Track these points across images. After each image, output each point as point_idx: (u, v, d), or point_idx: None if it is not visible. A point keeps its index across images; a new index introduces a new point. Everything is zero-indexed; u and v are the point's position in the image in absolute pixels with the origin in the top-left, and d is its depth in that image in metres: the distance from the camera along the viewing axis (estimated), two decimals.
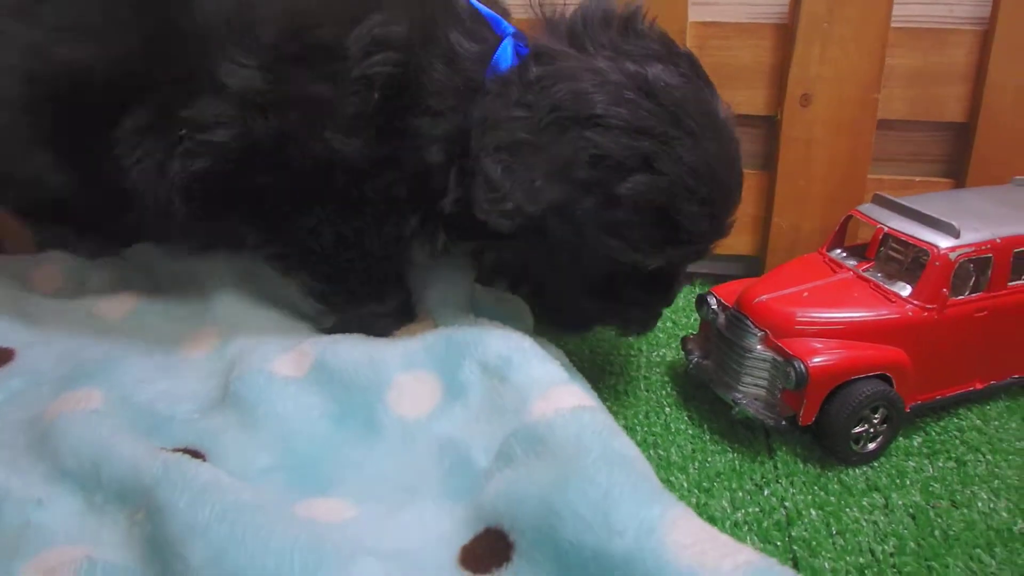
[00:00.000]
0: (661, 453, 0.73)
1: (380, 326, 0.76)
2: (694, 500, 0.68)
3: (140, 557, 0.53)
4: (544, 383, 0.62)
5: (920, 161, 0.97)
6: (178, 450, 0.61)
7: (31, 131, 0.76)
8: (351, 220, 0.72)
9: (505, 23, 0.71)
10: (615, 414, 0.77)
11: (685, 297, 1.00)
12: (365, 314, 0.76)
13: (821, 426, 0.70)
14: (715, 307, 0.78)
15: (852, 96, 0.89)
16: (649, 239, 0.66)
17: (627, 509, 0.48)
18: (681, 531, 0.47)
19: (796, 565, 0.61)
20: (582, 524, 0.48)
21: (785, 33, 0.91)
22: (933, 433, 0.75)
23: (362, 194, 0.70)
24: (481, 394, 0.64)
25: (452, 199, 0.68)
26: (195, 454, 0.61)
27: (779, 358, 0.71)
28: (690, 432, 0.76)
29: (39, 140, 0.77)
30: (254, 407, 0.66)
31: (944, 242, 0.72)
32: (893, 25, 0.89)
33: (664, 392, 0.82)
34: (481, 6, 0.72)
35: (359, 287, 0.76)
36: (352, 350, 0.69)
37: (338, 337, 0.71)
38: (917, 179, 0.96)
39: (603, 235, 0.66)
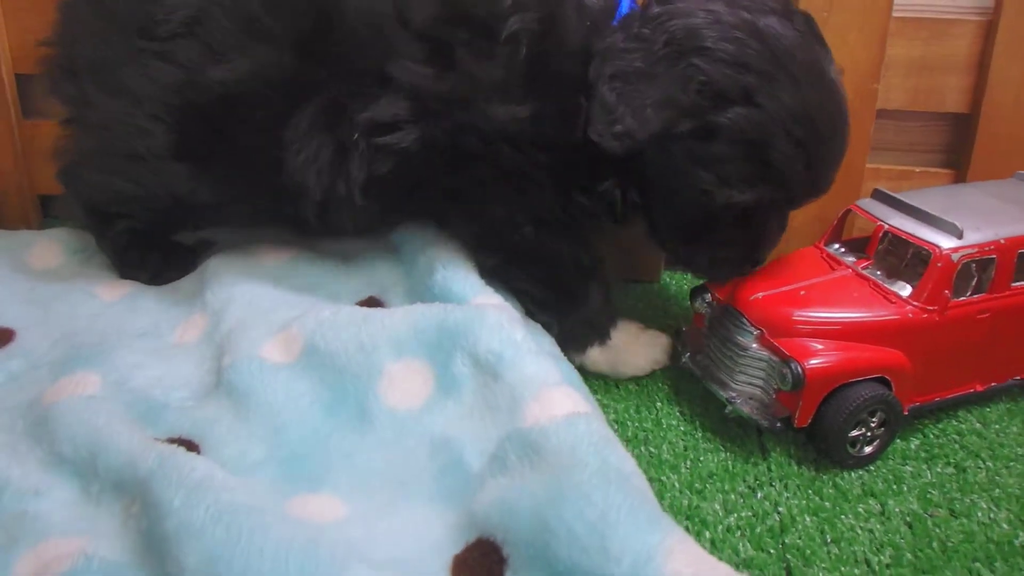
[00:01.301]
0: (652, 450, 0.68)
1: (598, 328, 0.76)
2: (686, 502, 0.62)
3: (135, 552, 0.51)
4: (537, 383, 0.57)
5: (919, 151, 0.91)
6: (173, 440, 0.59)
7: (183, 149, 0.75)
8: (534, 196, 0.72)
9: None
10: (605, 407, 0.71)
11: (677, 284, 0.95)
12: (583, 318, 0.75)
13: (817, 429, 0.64)
14: (710, 301, 0.73)
15: (851, 85, 0.80)
16: (741, 174, 0.65)
17: (625, 534, 0.44)
18: (679, 560, 0.42)
19: (790, 574, 0.58)
20: (578, 546, 0.44)
21: None
22: (931, 436, 0.69)
23: (534, 160, 0.70)
24: (473, 390, 0.60)
25: (581, 124, 0.67)
26: (189, 445, 0.59)
27: (775, 358, 0.65)
28: (682, 428, 0.70)
29: (186, 154, 0.75)
30: (246, 396, 0.63)
31: (946, 242, 0.65)
32: (894, 14, 0.82)
33: (656, 385, 0.75)
34: None
35: (571, 283, 0.75)
36: (342, 332, 0.65)
37: (326, 316, 0.67)
38: (916, 169, 0.90)
39: (697, 167, 0.65)
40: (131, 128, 0.75)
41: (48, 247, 0.88)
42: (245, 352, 0.66)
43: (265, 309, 0.72)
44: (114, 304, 0.79)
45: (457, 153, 0.70)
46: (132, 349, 0.70)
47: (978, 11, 0.85)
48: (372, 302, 0.77)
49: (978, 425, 0.71)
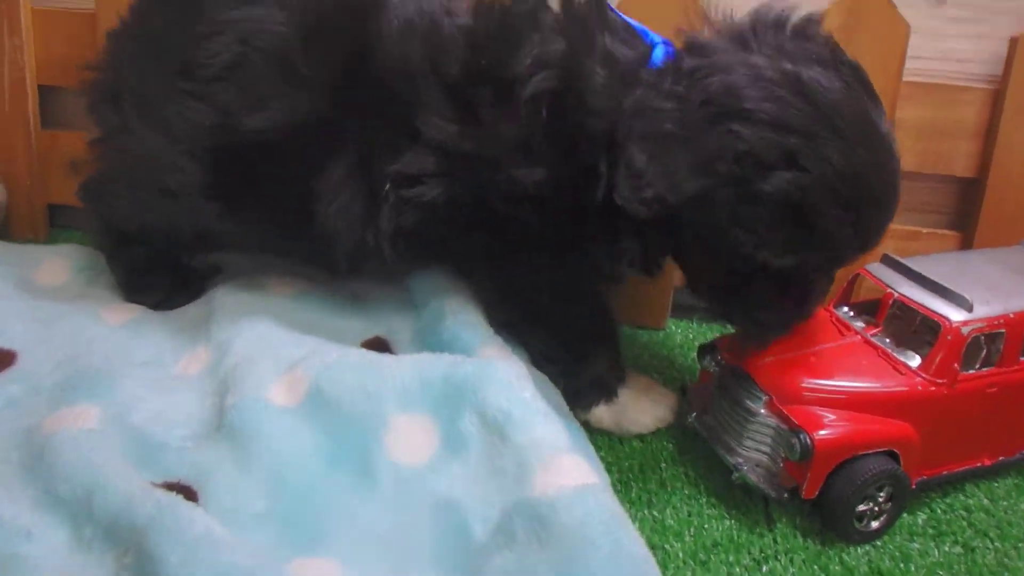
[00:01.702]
0: (656, 514, 0.65)
1: (606, 387, 0.74)
2: (689, 573, 0.60)
3: None
4: (545, 448, 0.55)
5: (927, 212, 0.90)
6: (171, 484, 0.57)
7: (216, 189, 0.75)
8: (556, 258, 0.70)
9: (653, 34, 0.69)
10: (608, 466, 0.69)
11: (683, 333, 0.93)
12: (591, 377, 0.73)
13: (824, 501, 0.61)
14: (719, 360, 0.71)
15: None
16: (785, 239, 0.61)
17: None
18: None
19: None
20: None
21: None
22: (939, 511, 0.66)
23: (557, 224, 0.68)
24: (480, 450, 0.58)
25: (602, 187, 0.64)
26: (188, 492, 0.57)
27: (784, 426, 0.63)
28: (686, 492, 0.68)
29: (218, 195, 0.75)
30: (248, 441, 0.61)
31: (956, 315, 0.64)
32: (905, 79, 0.81)
33: (661, 444, 0.73)
34: (630, 20, 0.70)
35: (583, 344, 0.73)
36: (348, 377, 0.63)
37: (332, 359, 0.65)
38: (924, 230, 0.89)
39: (737, 228, 0.61)
40: (166, 163, 0.74)
41: (55, 264, 0.87)
42: (250, 392, 0.64)
43: (271, 345, 0.70)
44: (118, 329, 0.77)
45: (481, 211, 0.68)
46: (134, 379, 0.69)
47: (987, 79, 0.84)
48: (378, 342, 0.75)
49: (986, 501, 0.69)
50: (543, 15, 0.67)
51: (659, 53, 0.66)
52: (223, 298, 0.79)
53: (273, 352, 0.69)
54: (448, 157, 0.66)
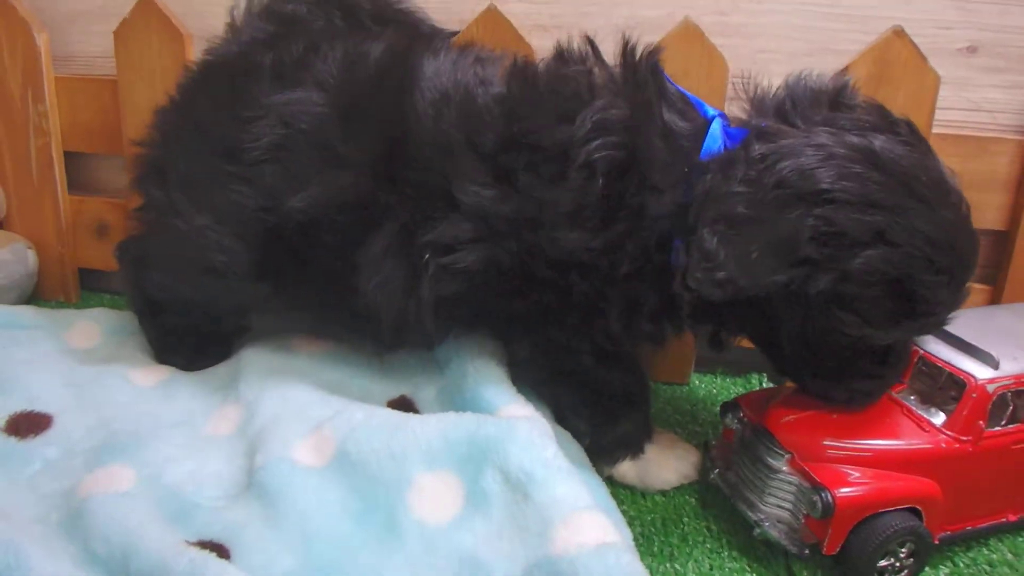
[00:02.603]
0: (678, 568, 0.69)
1: (633, 445, 0.77)
2: None
3: None
4: (567, 506, 0.59)
5: None
6: (204, 543, 0.61)
7: (263, 269, 0.78)
8: (598, 325, 0.72)
9: (707, 106, 0.71)
10: (631, 520, 0.73)
11: (706, 388, 0.97)
12: (618, 436, 0.76)
13: (845, 557, 0.65)
14: (741, 418, 0.74)
15: None
16: (884, 313, 0.62)
17: None
18: None
19: None
20: None
21: None
22: (961, 565, 0.69)
23: (602, 292, 0.70)
24: (503, 508, 0.62)
25: (680, 276, 0.65)
26: (220, 549, 0.61)
27: (805, 483, 0.66)
28: (708, 546, 0.72)
29: (265, 275, 0.78)
30: (277, 499, 0.65)
31: (982, 373, 0.67)
32: (934, 131, 0.85)
33: (683, 499, 0.77)
34: (686, 91, 0.72)
35: (615, 407, 0.76)
36: (373, 438, 0.67)
37: (358, 420, 0.69)
38: None
39: (834, 309, 0.62)
40: (212, 243, 0.78)
41: (86, 327, 0.93)
42: (277, 453, 0.69)
43: (298, 406, 0.75)
44: (149, 391, 0.82)
45: (523, 276, 0.71)
46: (166, 441, 0.74)
47: (1017, 129, 0.87)
48: (404, 402, 0.80)
49: (1010, 556, 0.72)
50: (595, 77, 0.70)
51: (716, 128, 0.68)
52: (250, 358, 0.84)
53: (299, 413, 0.74)
54: (486, 222, 0.70)
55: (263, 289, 0.79)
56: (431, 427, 0.67)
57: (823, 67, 0.85)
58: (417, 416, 0.71)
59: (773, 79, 0.87)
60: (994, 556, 0.71)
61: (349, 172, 0.73)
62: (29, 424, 0.75)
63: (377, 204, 0.72)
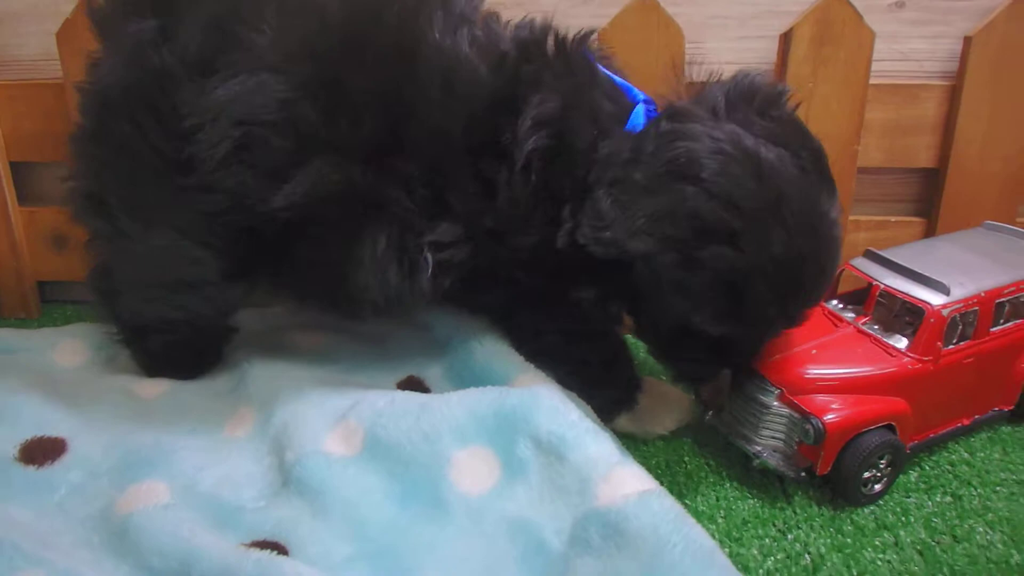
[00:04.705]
0: (688, 503, 0.78)
1: (625, 401, 0.83)
2: (727, 550, 0.72)
3: None
4: (603, 464, 0.65)
5: (895, 202, 1.04)
6: (260, 543, 0.64)
7: (239, 269, 0.77)
8: (551, 308, 0.77)
9: (636, 91, 0.75)
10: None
11: None
12: (609, 396, 0.81)
13: (835, 475, 0.76)
14: None
15: (834, 148, 0.92)
16: (714, 308, 0.68)
17: None
18: None
19: None
20: None
21: None
22: (927, 468, 0.82)
23: (549, 280, 0.75)
24: (540, 472, 0.67)
25: (565, 231, 0.70)
26: (279, 547, 0.64)
27: (796, 415, 0.76)
28: (711, 480, 0.81)
29: (240, 275, 0.78)
30: (320, 493, 0.68)
31: (937, 300, 0.78)
32: (872, 82, 0.94)
33: (681, 441, 0.86)
34: (616, 76, 0.76)
35: (597, 373, 0.80)
36: (401, 422, 0.71)
37: (381, 406, 0.73)
38: (893, 219, 1.03)
39: (674, 292, 0.69)
40: (179, 259, 0.76)
41: (72, 345, 0.92)
42: (308, 447, 0.72)
43: (315, 399, 0.78)
44: (155, 402, 0.83)
45: (490, 274, 0.77)
46: (188, 449, 0.75)
47: (944, 76, 0.98)
48: (412, 381, 0.85)
49: (966, 455, 0.84)
50: (547, 74, 0.73)
51: (640, 112, 0.74)
52: (252, 359, 0.86)
53: (318, 406, 0.76)
54: (472, 227, 0.74)
55: (239, 290, 0.81)
56: (455, 404, 0.72)
57: (771, 29, 0.94)
58: (438, 396, 0.76)
59: (726, 43, 0.95)
60: (954, 457, 0.83)
61: (335, 159, 0.70)
62: (44, 451, 0.75)
63: (372, 195, 0.71)
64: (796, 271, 0.68)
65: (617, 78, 0.77)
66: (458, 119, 0.71)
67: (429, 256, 0.74)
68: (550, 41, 0.75)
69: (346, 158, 0.71)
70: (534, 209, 0.72)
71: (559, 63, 0.74)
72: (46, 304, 1.13)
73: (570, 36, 0.76)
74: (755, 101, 0.71)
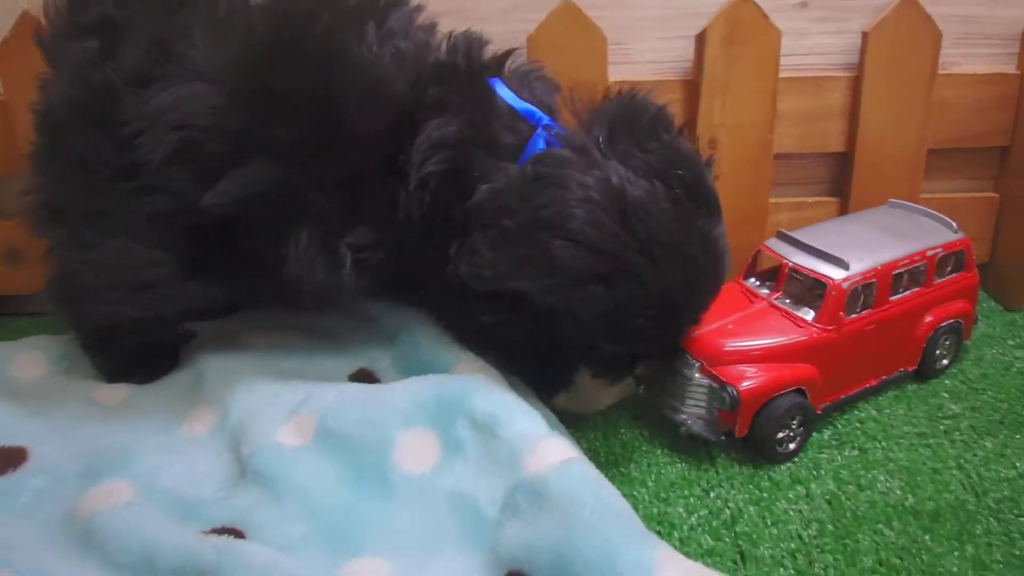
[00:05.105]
0: (623, 470, 0.86)
1: (562, 381, 0.87)
2: (655, 510, 0.80)
3: None
4: (531, 437, 0.71)
5: (810, 184, 1.13)
6: (218, 530, 0.68)
7: (195, 266, 0.81)
8: (459, 308, 0.82)
9: (539, 114, 0.79)
10: (577, 437, 0.88)
11: None
12: (546, 378, 0.86)
13: (752, 436, 0.84)
14: None
15: (751, 137, 1.03)
16: (601, 335, 0.76)
17: (626, 554, 0.60)
18: (668, 568, 0.59)
19: (742, 556, 0.75)
20: (591, 569, 0.60)
21: (692, 88, 1.03)
22: (840, 426, 0.90)
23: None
24: (476, 449, 0.73)
25: (453, 262, 0.76)
26: (236, 532, 0.68)
27: (715, 384, 0.84)
28: (644, 448, 0.89)
29: (197, 272, 0.82)
30: (275, 481, 0.73)
31: (837, 274, 0.86)
32: (781, 75, 1.02)
33: (618, 414, 0.94)
34: (516, 101, 0.80)
35: (530, 360, 0.84)
36: (350, 412, 0.76)
37: (331, 398, 0.78)
38: (809, 200, 1.12)
39: (563, 319, 0.74)
40: (136, 262, 0.82)
41: (30, 357, 0.95)
42: (262, 440, 0.77)
43: (269, 395, 0.82)
44: (116, 408, 0.87)
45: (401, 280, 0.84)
46: (149, 450, 0.79)
47: (847, 68, 1.07)
48: (364, 373, 0.90)
49: (874, 412, 0.92)
50: (452, 98, 0.77)
51: (539, 139, 0.78)
52: (208, 360, 0.90)
53: (271, 402, 0.81)
54: (381, 235, 0.79)
55: (198, 286, 0.84)
56: (399, 392, 0.78)
57: (688, 30, 1.02)
58: (384, 385, 0.82)
59: (647, 43, 1.03)
60: (863, 415, 0.92)
61: (263, 161, 0.75)
62: (4, 460, 0.78)
63: (297, 195, 0.76)
64: (672, 299, 0.75)
65: (519, 103, 0.80)
66: (373, 131, 0.76)
67: (348, 255, 0.78)
68: (461, 63, 0.80)
69: (273, 160, 0.76)
70: (429, 230, 0.78)
71: (463, 89, 0.78)
72: (2, 319, 1.16)
73: (485, 56, 0.81)
74: (637, 128, 0.76)
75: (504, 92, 0.80)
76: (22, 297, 1.16)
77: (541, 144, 0.77)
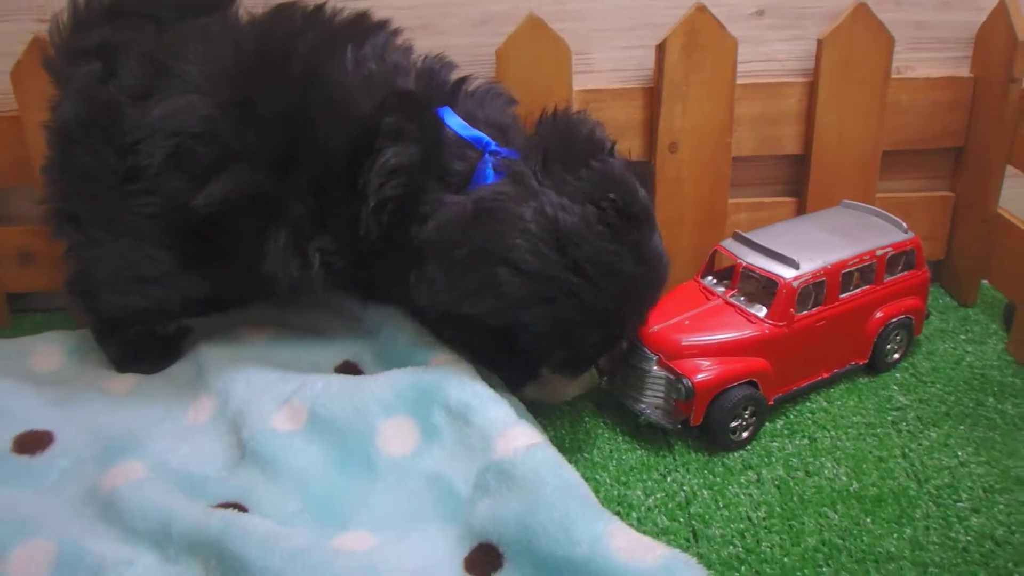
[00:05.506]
0: (586, 456, 0.92)
1: (529, 374, 0.93)
2: (616, 492, 0.86)
3: None
4: (500, 424, 0.79)
5: (768, 185, 1.18)
6: (224, 505, 0.76)
7: (190, 261, 0.90)
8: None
9: (487, 139, 0.86)
10: (544, 426, 0.94)
11: None
12: (513, 372, 0.92)
13: (706, 424, 0.90)
14: None
15: (710, 141, 1.09)
16: (551, 344, 0.83)
17: (581, 526, 0.67)
18: (619, 538, 0.67)
19: (695, 535, 0.81)
20: (552, 539, 0.68)
21: (652, 95, 1.08)
22: (792, 416, 0.96)
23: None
24: (451, 435, 0.81)
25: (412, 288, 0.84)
26: (239, 507, 0.76)
27: (671, 376, 0.90)
28: (606, 436, 0.95)
29: (192, 266, 0.90)
30: (271, 462, 0.81)
31: (788, 273, 0.92)
32: (739, 82, 1.08)
33: (582, 404, 1.00)
34: (465, 129, 0.86)
35: (495, 359, 0.90)
36: (337, 400, 0.84)
37: (319, 388, 0.86)
38: (767, 200, 1.17)
39: (516, 332, 0.82)
40: (141, 258, 0.91)
41: (48, 351, 1.03)
42: (260, 425, 0.85)
43: (264, 385, 0.91)
44: (126, 398, 0.96)
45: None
46: (158, 435, 0.88)
47: (803, 73, 1.13)
48: (348, 366, 0.97)
49: (825, 404, 0.98)
50: (407, 127, 0.83)
51: (486, 166, 0.84)
52: (208, 353, 0.99)
53: (267, 391, 0.90)
54: (345, 242, 0.87)
55: (195, 279, 0.93)
56: (382, 383, 0.86)
57: (649, 39, 1.07)
58: (367, 377, 0.89)
59: (610, 52, 1.07)
60: (814, 406, 0.98)
61: (246, 167, 0.84)
62: (34, 442, 0.86)
63: (274, 200, 0.85)
64: (612, 309, 0.82)
65: (468, 131, 0.87)
66: (340, 148, 0.83)
67: (317, 257, 0.86)
68: (420, 90, 0.86)
69: (255, 166, 0.84)
70: (388, 249, 0.85)
71: (417, 118, 0.84)
72: (14, 314, 1.23)
73: (451, 80, 0.88)
74: (570, 156, 0.82)
75: (453, 121, 0.87)
76: (35, 295, 1.23)
77: (489, 170, 0.84)
